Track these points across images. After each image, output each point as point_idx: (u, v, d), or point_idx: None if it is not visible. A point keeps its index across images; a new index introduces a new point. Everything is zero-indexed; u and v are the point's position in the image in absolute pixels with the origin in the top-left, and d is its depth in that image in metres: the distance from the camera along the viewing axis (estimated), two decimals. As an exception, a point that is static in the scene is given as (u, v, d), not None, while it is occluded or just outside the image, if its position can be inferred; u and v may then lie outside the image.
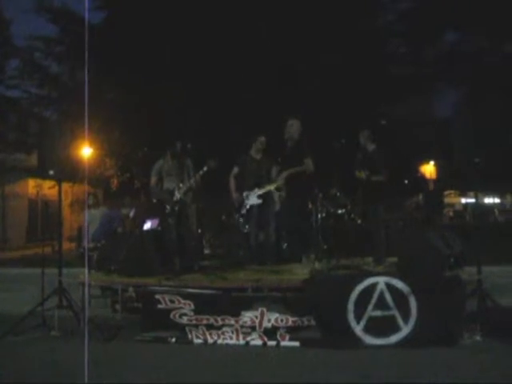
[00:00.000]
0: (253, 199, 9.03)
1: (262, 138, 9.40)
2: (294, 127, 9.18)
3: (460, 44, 20.34)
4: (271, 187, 9.17)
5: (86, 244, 10.00)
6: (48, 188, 20.92)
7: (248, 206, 9.12)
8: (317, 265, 8.58)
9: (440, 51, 20.16)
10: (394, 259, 8.21)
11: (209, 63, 16.59)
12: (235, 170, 9.53)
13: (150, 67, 17.33)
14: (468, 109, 21.60)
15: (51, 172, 8.44)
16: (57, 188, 8.54)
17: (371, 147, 8.83)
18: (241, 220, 9.38)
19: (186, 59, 16.77)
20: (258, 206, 9.13)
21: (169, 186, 8.88)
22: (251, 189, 9.16)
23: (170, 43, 16.96)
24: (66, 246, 11.55)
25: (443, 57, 19.81)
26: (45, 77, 20.89)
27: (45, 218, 26.76)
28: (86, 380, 4.58)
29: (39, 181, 25.29)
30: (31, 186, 27.30)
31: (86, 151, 18.30)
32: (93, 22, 19.52)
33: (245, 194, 9.15)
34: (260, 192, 9.08)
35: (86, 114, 6.67)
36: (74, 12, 19.67)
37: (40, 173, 22.57)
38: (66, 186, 17.79)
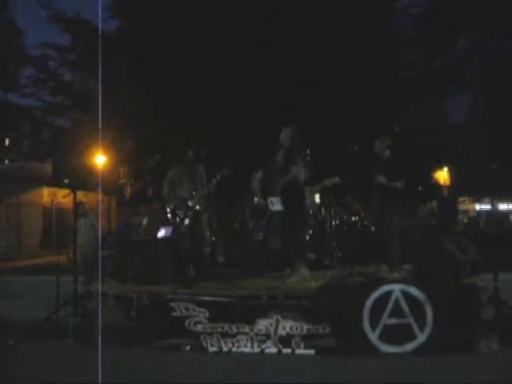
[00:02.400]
0: (277, 206, 8.85)
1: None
2: (282, 134, 8.91)
3: (473, 48, 20.28)
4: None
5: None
6: (62, 196, 21.05)
7: (272, 212, 8.96)
8: (331, 272, 8.55)
9: (453, 56, 20.11)
10: (409, 266, 8.16)
11: (222, 70, 16.62)
12: (260, 174, 9.39)
13: (162, 75, 17.38)
14: (482, 114, 21.59)
15: (66, 180, 8.48)
16: (71, 196, 8.57)
17: (388, 154, 8.78)
18: (259, 226, 9.33)
19: (198, 67, 16.79)
20: (281, 212, 8.98)
21: (182, 194, 8.87)
22: (276, 195, 8.95)
23: (182, 51, 17.00)
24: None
25: (457, 62, 19.76)
26: (58, 85, 21.01)
27: (59, 226, 26.85)
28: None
29: (54, 189, 25.43)
30: (46, 194, 27.45)
31: (99, 159, 18.36)
32: (105, 30, 19.66)
33: (269, 199, 8.94)
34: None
35: (100, 122, 6.71)
36: (87, 21, 19.79)
37: (55, 181, 22.71)
38: (80, 194, 17.82)
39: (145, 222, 12.86)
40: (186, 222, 8.76)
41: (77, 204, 9.41)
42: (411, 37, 20.39)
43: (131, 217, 12.52)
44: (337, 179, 9.17)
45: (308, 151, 9.19)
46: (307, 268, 8.26)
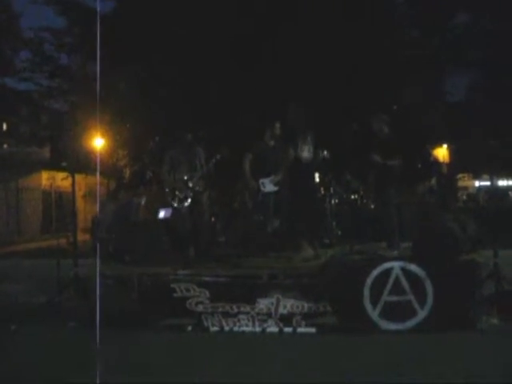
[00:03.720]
0: (269, 186, 8.92)
1: (277, 124, 9.28)
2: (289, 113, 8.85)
3: (472, 26, 20.16)
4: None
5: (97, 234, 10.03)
6: (61, 179, 21.02)
7: (265, 193, 9.01)
8: (331, 251, 8.58)
9: (452, 33, 20.00)
10: (408, 244, 8.18)
11: (221, 50, 16.52)
12: (249, 156, 9.39)
13: (160, 56, 17.29)
14: (482, 91, 21.50)
15: (64, 164, 8.47)
16: (70, 179, 8.57)
17: (385, 131, 8.74)
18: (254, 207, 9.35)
19: (197, 48, 16.69)
20: (275, 193, 9.03)
21: (181, 176, 8.86)
22: (267, 176, 9.04)
23: (180, 31, 16.89)
24: (81, 237, 11.59)
25: (456, 39, 19.66)
26: (55, 68, 20.90)
27: (59, 209, 26.86)
28: (99, 368, 4.59)
29: (52, 173, 25.39)
30: (45, 178, 27.38)
31: (97, 142, 18.32)
32: (102, 11, 19.51)
33: (261, 181, 9.01)
34: (276, 179, 8.96)
35: (98, 104, 6.68)
36: (83, 3, 19.66)
37: (53, 165, 22.70)
38: (78, 177, 17.81)
39: (143, 201, 12.81)
40: (186, 203, 8.76)
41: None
42: (409, 14, 20.26)
43: (131, 198, 12.46)
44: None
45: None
46: (313, 248, 8.28)
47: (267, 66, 16.33)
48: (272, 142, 9.28)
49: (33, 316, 7.51)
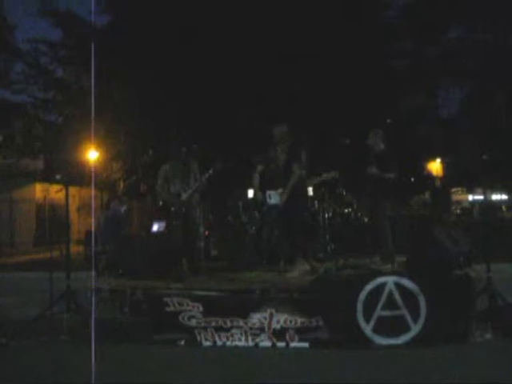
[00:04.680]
0: (274, 199, 8.80)
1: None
2: (278, 131, 8.75)
3: (464, 39, 20.30)
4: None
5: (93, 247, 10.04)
6: (55, 192, 20.97)
7: (270, 205, 8.91)
8: (325, 265, 8.56)
9: (444, 47, 20.12)
10: (401, 258, 8.18)
11: (215, 64, 16.56)
12: (259, 168, 9.28)
13: (154, 69, 17.33)
14: (474, 105, 21.62)
15: (58, 176, 8.45)
16: (64, 192, 8.55)
17: (381, 146, 8.77)
18: (252, 220, 9.33)
19: (191, 61, 16.74)
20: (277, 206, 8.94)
21: (175, 189, 8.84)
22: (275, 188, 8.89)
23: (174, 45, 16.94)
24: (74, 249, 11.55)
25: (448, 52, 19.77)
26: (50, 81, 20.91)
27: (52, 222, 26.77)
28: (93, 382, 4.56)
29: (46, 185, 25.34)
30: (38, 190, 27.33)
31: (92, 155, 18.31)
32: (97, 25, 19.55)
33: (268, 193, 8.88)
34: (283, 192, 8.83)
35: (92, 117, 6.67)
36: (78, 16, 19.72)
37: (47, 177, 22.65)
38: (72, 189, 17.78)
39: (123, 209, 12.77)
40: (179, 216, 8.74)
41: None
42: (402, 26, 20.38)
43: (117, 209, 12.45)
44: (336, 173, 9.17)
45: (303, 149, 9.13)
46: (309, 263, 8.27)
47: (264, 80, 16.39)
48: (282, 155, 9.13)
49: (24, 329, 7.45)
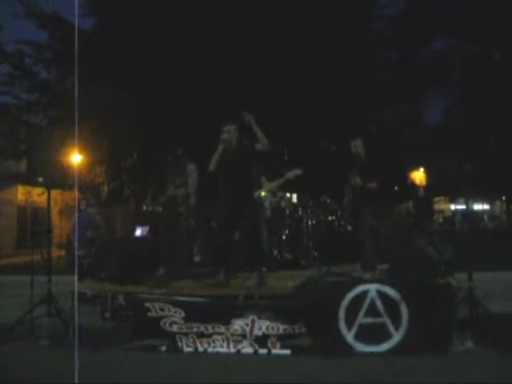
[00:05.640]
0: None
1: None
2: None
3: (449, 50, 20.47)
4: (262, 192, 9.10)
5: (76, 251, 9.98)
6: (37, 195, 20.81)
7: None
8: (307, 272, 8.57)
9: (429, 56, 20.28)
10: (383, 266, 8.20)
11: (200, 66, 16.57)
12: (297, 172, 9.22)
13: (139, 73, 17.31)
14: (458, 115, 21.78)
15: (40, 179, 8.39)
16: (46, 195, 8.49)
17: (363, 155, 8.80)
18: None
19: (175, 64, 16.74)
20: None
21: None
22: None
23: (159, 48, 16.93)
24: (56, 253, 11.47)
25: (432, 62, 19.93)
26: (34, 82, 20.81)
27: (34, 225, 26.60)
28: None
29: (29, 188, 25.17)
30: (20, 192, 27.14)
31: (75, 158, 18.22)
32: (82, 27, 19.51)
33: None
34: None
35: (76, 120, 6.65)
36: (64, 18, 19.65)
37: (29, 180, 22.49)
38: (55, 193, 17.66)
39: (93, 210, 12.62)
40: (162, 221, 8.73)
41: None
42: (387, 37, 20.52)
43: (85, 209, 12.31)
44: (298, 171, 9.11)
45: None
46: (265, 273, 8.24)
47: (244, 84, 16.41)
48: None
49: (4, 333, 7.39)
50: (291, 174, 9.15)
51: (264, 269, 8.36)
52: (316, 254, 10.02)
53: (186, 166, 8.93)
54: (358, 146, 8.83)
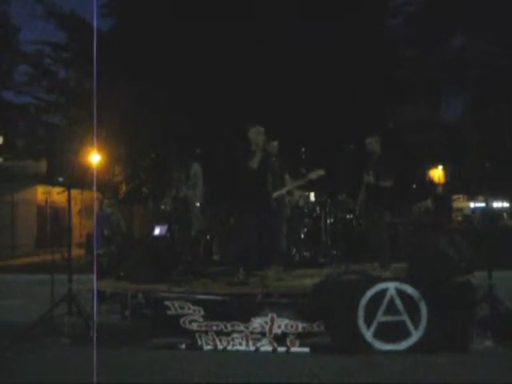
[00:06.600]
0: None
1: (275, 143, 9.22)
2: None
3: (467, 48, 20.32)
4: (283, 191, 9.11)
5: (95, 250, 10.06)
6: (57, 194, 20.99)
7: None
8: (325, 271, 8.57)
9: (447, 55, 20.14)
10: (400, 264, 8.18)
11: (216, 69, 16.60)
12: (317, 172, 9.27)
13: (158, 74, 17.37)
14: (476, 113, 21.64)
15: (60, 179, 8.46)
16: (65, 194, 8.56)
17: (379, 152, 8.78)
18: None
19: (194, 66, 16.77)
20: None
21: (178, 192, 8.87)
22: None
23: (178, 48, 16.98)
24: (76, 252, 11.57)
25: (450, 61, 19.79)
26: (53, 83, 20.97)
27: (54, 224, 26.80)
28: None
29: (48, 187, 25.36)
30: (40, 192, 27.36)
31: (94, 158, 18.31)
32: (101, 29, 19.65)
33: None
34: (274, 195, 8.89)
35: (95, 120, 6.70)
36: (83, 18, 19.77)
37: (49, 179, 22.67)
38: (74, 192, 17.78)
39: (108, 212, 12.72)
40: (181, 220, 8.76)
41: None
42: (405, 35, 20.42)
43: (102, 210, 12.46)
44: (321, 172, 9.12)
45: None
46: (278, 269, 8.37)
47: (263, 87, 16.41)
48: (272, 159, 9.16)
49: (26, 332, 7.46)
50: (314, 175, 9.15)
51: (281, 267, 8.43)
52: (334, 252, 10.02)
53: (191, 166, 8.97)
54: (372, 143, 8.83)
